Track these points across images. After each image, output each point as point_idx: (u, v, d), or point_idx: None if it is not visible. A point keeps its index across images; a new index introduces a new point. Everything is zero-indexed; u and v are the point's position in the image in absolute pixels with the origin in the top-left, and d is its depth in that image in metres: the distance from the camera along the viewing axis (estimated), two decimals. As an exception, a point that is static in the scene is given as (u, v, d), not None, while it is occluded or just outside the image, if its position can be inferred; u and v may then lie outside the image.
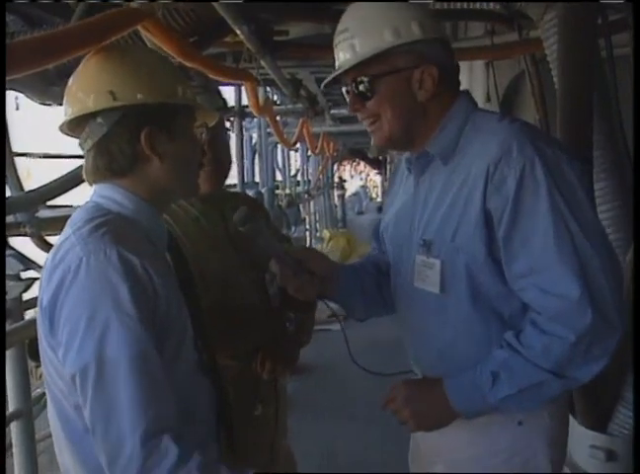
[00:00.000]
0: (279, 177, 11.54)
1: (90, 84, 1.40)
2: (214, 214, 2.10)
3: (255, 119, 8.54)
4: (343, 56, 1.61)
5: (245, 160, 9.99)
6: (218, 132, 2.07)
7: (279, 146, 10.96)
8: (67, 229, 1.37)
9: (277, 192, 9.12)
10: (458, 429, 1.62)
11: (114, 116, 1.37)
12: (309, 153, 12.99)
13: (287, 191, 9.17)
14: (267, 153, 9.87)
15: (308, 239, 12.54)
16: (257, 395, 2.06)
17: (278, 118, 9.42)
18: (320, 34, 3.33)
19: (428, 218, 1.62)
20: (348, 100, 1.65)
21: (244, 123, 9.15)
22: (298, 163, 14.01)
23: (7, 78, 1.48)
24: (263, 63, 3.24)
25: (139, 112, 1.38)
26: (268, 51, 3.08)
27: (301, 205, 12.89)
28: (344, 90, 1.66)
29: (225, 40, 3.12)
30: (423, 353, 1.71)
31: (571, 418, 2.90)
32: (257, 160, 9.84)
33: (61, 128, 1.44)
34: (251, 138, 10.42)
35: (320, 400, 5.32)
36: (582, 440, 2.84)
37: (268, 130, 9.01)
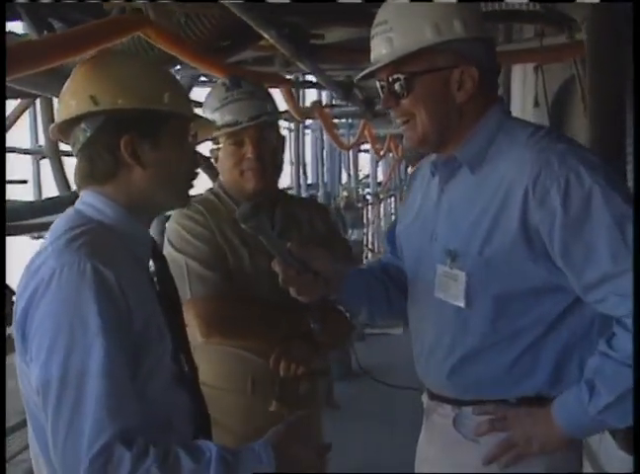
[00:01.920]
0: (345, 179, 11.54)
1: (75, 89, 1.40)
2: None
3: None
4: (379, 50, 1.54)
5: (311, 162, 10.06)
6: (262, 134, 2.06)
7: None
8: (47, 238, 1.35)
9: (343, 194, 9.11)
10: (466, 449, 1.57)
11: (96, 121, 1.37)
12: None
13: (345, 193, 9.11)
14: (332, 155, 9.87)
15: (373, 242, 12.46)
16: (274, 391, 2.04)
17: (343, 120, 9.45)
18: (362, 37, 3.29)
19: (452, 228, 1.57)
20: (382, 95, 1.59)
21: (309, 125, 9.22)
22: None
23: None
24: (301, 66, 3.21)
25: (121, 118, 1.37)
26: (304, 55, 3.05)
27: (370, 208, 12.85)
28: (378, 85, 1.60)
29: (265, 45, 3.11)
30: (436, 364, 1.63)
31: (610, 437, 2.78)
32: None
33: (52, 133, 1.45)
34: (316, 140, 10.40)
35: (369, 405, 5.27)
36: (619, 464, 2.71)
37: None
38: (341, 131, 9.69)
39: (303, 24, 2.95)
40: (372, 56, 1.57)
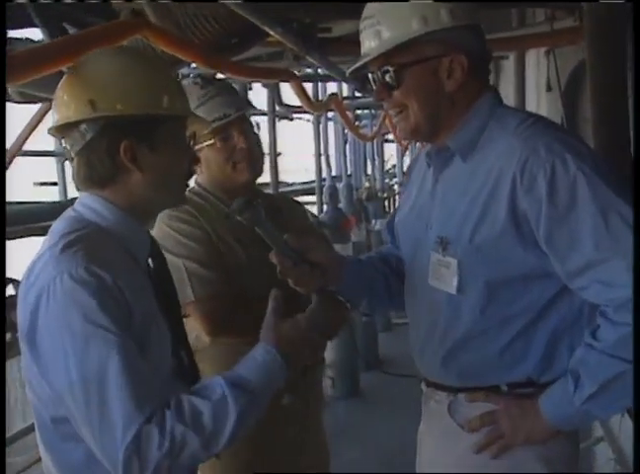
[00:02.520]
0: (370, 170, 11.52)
1: (73, 91, 1.40)
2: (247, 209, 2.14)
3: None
4: (368, 44, 1.56)
5: (334, 154, 10.09)
6: (247, 129, 2.11)
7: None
8: (46, 242, 1.38)
9: (365, 185, 9.11)
10: (461, 435, 1.60)
11: (95, 125, 1.38)
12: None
13: (367, 184, 9.11)
14: (355, 146, 9.88)
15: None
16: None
17: (366, 111, 9.45)
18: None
19: (445, 216, 1.59)
20: (373, 88, 1.62)
21: (332, 116, 9.24)
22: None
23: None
24: (311, 60, 3.25)
25: (120, 122, 1.38)
26: (313, 49, 3.09)
27: (398, 197, 12.80)
28: (370, 77, 1.62)
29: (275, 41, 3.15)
30: (430, 351, 1.67)
31: (629, 420, 2.78)
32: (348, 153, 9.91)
33: (50, 132, 1.47)
34: (342, 131, 10.40)
35: (392, 394, 5.30)
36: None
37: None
38: (363, 122, 9.69)
39: (310, 18, 2.99)
40: (362, 50, 1.59)
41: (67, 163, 4.36)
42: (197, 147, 1.99)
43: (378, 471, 4.01)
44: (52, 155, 4.96)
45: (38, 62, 1.56)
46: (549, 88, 3.56)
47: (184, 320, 1.66)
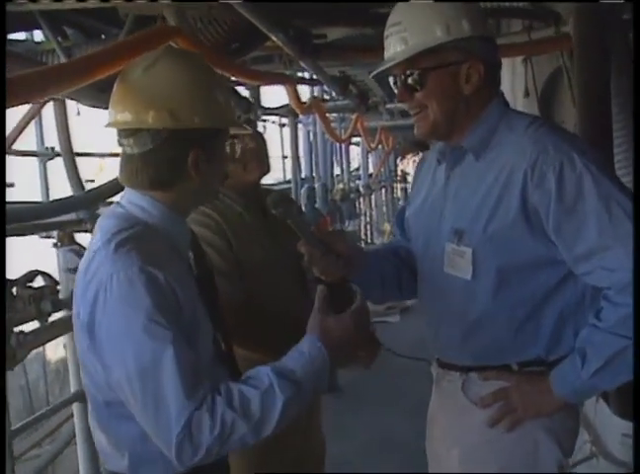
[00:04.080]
0: (338, 171, 11.66)
1: (149, 97, 1.44)
2: (256, 208, 2.23)
3: (312, 116, 8.66)
4: (394, 48, 1.70)
5: (304, 156, 10.22)
6: (253, 127, 2.22)
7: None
8: (98, 237, 1.45)
9: (338, 186, 9.25)
10: (473, 412, 1.74)
11: (164, 132, 1.43)
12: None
13: (341, 185, 9.28)
14: (324, 148, 10.02)
15: (365, 233, 12.62)
16: None
17: (334, 114, 9.59)
18: (362, 34, 3.45)
19: (459, 209, 1.73)
20: (396, 90, 1.76)
21: (301, 119, 9.38)
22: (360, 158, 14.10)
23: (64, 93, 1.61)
24: (304, 65, 3.38)
25: (190, 133, 1.44)
26: (307, 54, 3.22)
27: (362, 199, 13.00)
28: (391, 80, 1.76)
29: (268, 44, 3.27)
30: (446, 334, 1.80)
31: (604, 405, 2.97)
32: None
33: (110, 127, 1.49)
34: (309, 134, 10.57)
35: (371, 390, 5.42)
36: (614, 429, 2.90)
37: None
38: (333, 125, 9.85)
39: (307, 25, 3.11)
40: (387, 54, 1.74)
41: (49, 163, 4.30)
42: None
43: (358, 466, 4.10)
44: (34, 155, 4.97)
45: (80, 73, 1.62)
46: (527, 94, 3.76)
47: None
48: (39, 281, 2.25)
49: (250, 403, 1.36)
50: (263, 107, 6.16)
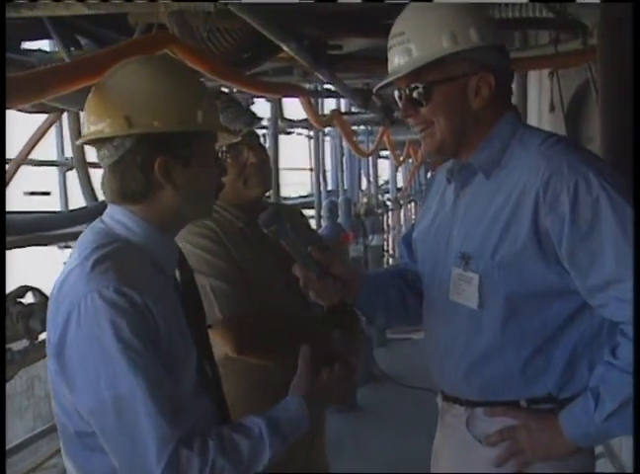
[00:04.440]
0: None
1: (107, 105, 1.37)
2: (258, 225, 2.15)
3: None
4: (397, 61, 1.59)
5: (331, 169, 10.15)
6: (256, 143, 2.11)
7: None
8: (75, 254, 1.38)
9: (363, 200, 9.16)
10: (478, 449, 1.62)
11: (129, 140, 1.36)
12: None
13: (365, 199, 9.18)
14: (351, 162, 9.93)
15: (393, 247, 12.49)
16: None
17: (362, 127, 9.51)
18: (379, 46, 3.36)
19: (467, 232, 1.62)
20: (400, 105, 1.65)
21: (329, 132, 9.31)
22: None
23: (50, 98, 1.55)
24: (320, 76, 3.29)
25: (155, 138, 1.36)
26: (323, 66, 3.13)
27: (390, 214, 12.87)
28: (396, 94, 1.64)
29: (284, 56, 3.19)
30: (450, 365, 1.69)
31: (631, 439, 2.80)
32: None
33: (80, 142, 1.44)
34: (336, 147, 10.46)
35: (389, 409, 5.31)
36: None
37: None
38: (360, 138, 9.75)
39: (321, 35, 3.03)
40: (390, 67, 1.62)
41: (69, 173, 4.30)
42: None
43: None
44: (55, 165, 4.96)
45: (65, 78, 1.56)
46: (552, 108, 3.62)
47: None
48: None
49: (241, 451, 1.33)
50: (286, 119, 6.10)
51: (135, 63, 1.43)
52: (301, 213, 2.64)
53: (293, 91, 3.57)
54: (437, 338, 1.73)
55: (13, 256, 3.17)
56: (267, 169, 2.15)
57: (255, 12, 2.22)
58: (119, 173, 1.38)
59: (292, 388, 1.50)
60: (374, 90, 1.74)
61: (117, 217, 1.42)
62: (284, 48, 2.68)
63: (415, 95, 1.58)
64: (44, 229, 3.21)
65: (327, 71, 3.26)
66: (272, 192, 5.22)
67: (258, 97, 4.49)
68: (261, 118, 2.26)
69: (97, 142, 1.40)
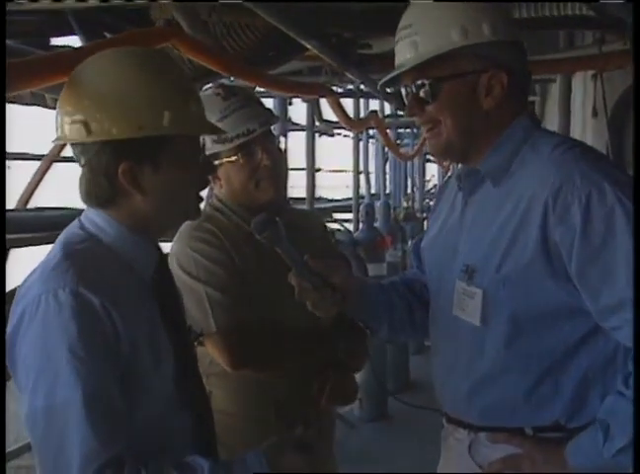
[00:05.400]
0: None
1: (67, 109, 1.30)
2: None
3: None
4: (404, 55, 1.50)
5: (374, 172, 10.03)
6: (271, 145, 2.01)
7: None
8: (53, 247, 1.33)
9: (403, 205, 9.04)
10: None
11: (91, 147, 1.28)
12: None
13: (405, 204, 9.03)
14: (395, 165, 9.81)
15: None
16: (300, 415, 2.00)
17: (408, 130, 9.40)
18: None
19: (472, 242, 1.52)
20: (406, 102, 1.55)
21: (373, 134, 9.20)
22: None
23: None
24: (351, 76, 3.19)
25: (117, 144, 1.27)
26: (352, 65, 3.03)
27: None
28: (402, 91, 1.55)
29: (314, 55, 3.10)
30: (453, 386, 1.58)
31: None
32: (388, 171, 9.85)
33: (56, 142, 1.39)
34: (383, 149, 10.33)
35: (420, 419, 5.17)
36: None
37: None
38: (405, 141, 9.62)
39: (350, 33, 2.93)
40: (397, 61, 1.53)
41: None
42: (217, 162, 1.90)
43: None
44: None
45: (60, 68, 1.51)
46: (595, 113, 3.44)
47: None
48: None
49: None
50: (325, 120, 6.00)
51: (100, 59, 1.34)
52: (318, 218, 2.54)
53: (318, 91, 3.48)
54: (440, 354, 1.63)
55: (15, 255, 3.17)
56: (281, 173, 2.04)
57: (271, 8, 2.13)
58: (85, 177, 1.32)
59: (263, 445, 1.35)
60: (379, 86, 1.63)
61: (90, 217, 1.36)
62: (307, 46, 2.59)
63: (421, 91, 1.48)
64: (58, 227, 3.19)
65: (357, 71, 3.16)
66: (307, 194, 5.15)
67: (293, 97, 4.42)
68: (278, 118, 2.17)
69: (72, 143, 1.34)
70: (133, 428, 1.24)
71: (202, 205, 2.03)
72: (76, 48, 1.81)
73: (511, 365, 1.46)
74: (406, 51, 1.49)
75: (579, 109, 4.15)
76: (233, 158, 1.92)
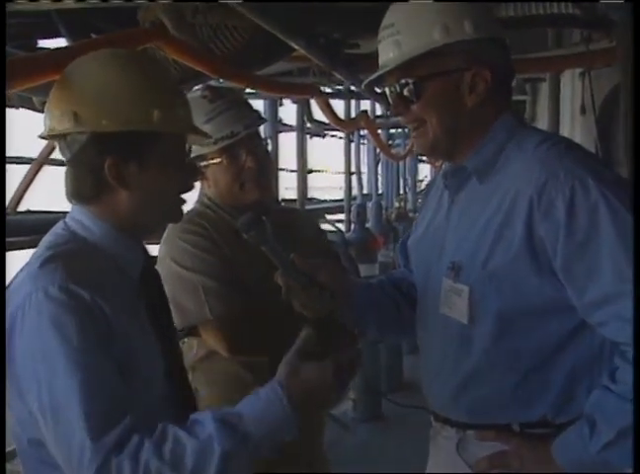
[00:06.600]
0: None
1: (59, 101, 1.32)
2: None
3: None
4: (387, 54, 1.50)
5: (366, 172, 10.03)
6: (256, 147, 2.03)
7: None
8: (38, 249, 1.34)
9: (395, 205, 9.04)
10: None
11: (79, 139, 1.30)
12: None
13: (397, 204, 9.04)
14: (387, 165, 9.81)
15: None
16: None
17: (400, 130, 9.40)
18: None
19: (458, 239, 1.52)
20: (390, 102, 1.56)
21: (365, 134, 9.20)
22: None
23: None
24: (339, 76, 3.19)
25: (106, 138, 1.28)
26: (340, 65, 3.03)
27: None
28: (387, 91, 1.56)
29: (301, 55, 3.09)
30: (440, 384, 1.58)
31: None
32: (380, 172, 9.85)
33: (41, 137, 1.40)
34: (375, 150, 10.34)
35: (414, 419, 5.16)
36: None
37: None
38: (397, 142, 9.63)
39: (338, 33, 2.93)
40: (380, 61, 1.53)
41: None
42: (202, 164, 1.91)
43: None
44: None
45: (44, 68, 1.51)
46: (583, 111, 3.45)
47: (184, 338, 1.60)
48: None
49: (183, 453, 1.18)
50: (317, 121, 6.01)
51: (92, 59, 1.37)
52: (310, 218, 2.54)
53: (305, 91, 3.47)
54: (428, 353, 1.63)
55: (14, 257, 3.16)
56: (266, 175, 2.07)
57: (256, 8, 2.13)
58: (71, 172, 1.33)
59: (278, 370, 1.30)
60: (363, 86, 1.64)
61: (75, 216, 1.37)
62: (294, 46, 2.59)
63: (405, 91, 1.48)
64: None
65: (345, 71, 3.16)
66: (298, 195, 5.16)
67: (284, 98, 4.41)
68: (265, 120, 2.17)
69: (55, 137, 1.35)
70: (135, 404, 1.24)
71: (191, 206, 2.07)
72: (60, 48, 1.79)
73: (498, 362, 1.46)
74: (389, 51, 1.49)
75: (568, 106, 4.17)
76: (218, 160, 1.95)
